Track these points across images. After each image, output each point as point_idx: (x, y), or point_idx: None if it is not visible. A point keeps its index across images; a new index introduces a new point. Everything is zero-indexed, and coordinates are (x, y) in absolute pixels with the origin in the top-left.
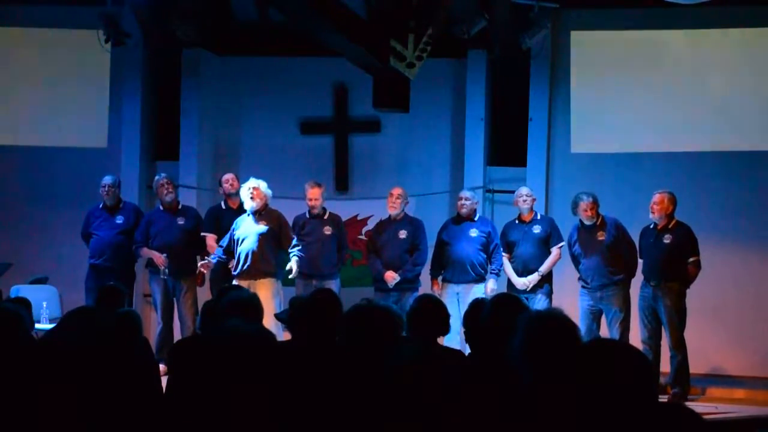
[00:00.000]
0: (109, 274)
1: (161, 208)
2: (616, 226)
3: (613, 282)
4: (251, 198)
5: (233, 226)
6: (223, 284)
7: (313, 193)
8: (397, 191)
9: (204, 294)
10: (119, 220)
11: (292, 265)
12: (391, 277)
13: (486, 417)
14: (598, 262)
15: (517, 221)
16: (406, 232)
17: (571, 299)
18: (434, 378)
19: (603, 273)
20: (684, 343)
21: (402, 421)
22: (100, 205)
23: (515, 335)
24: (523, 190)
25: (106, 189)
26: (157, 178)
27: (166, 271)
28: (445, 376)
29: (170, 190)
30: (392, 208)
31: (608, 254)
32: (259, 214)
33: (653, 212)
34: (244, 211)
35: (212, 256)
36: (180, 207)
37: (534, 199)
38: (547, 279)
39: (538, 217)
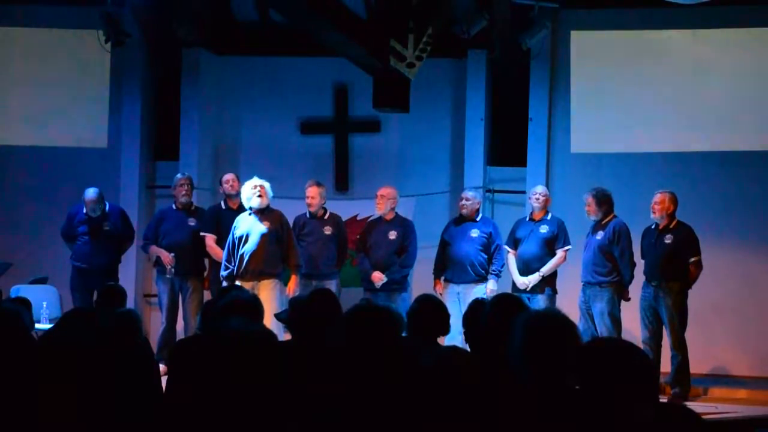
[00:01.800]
0: (93, 276)
1: (174, 207)
2: (616, 229)
3: (597, 282)
4: (258, 196)
5: (233, 226)
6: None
7: (311, 192)
8: (381, 192)
9: (208, 295)
10: (107, 226)
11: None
12: (378, 278)
13: (486, 417)
14: (588, 260)
15: (527, 218)
16: (396, 233)
17: (571, 300)
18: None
19: (589, 271)
20: (685, 343)
21: (405, 423)
22: (84, 210)
23: (514, 335)
24: (538, 188)
25: (92, 206)
26: (178, 176)
27: (173, 270)
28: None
29: (188, 191)
30: (378, 208)
31: (598, 254)
32: (262, 213)
33: (654, 212)
34: (243, 211)
35: (221, 273)
36: (193, 208)
37: (547, 199)
38: (550, 282)
39: (549, 217)
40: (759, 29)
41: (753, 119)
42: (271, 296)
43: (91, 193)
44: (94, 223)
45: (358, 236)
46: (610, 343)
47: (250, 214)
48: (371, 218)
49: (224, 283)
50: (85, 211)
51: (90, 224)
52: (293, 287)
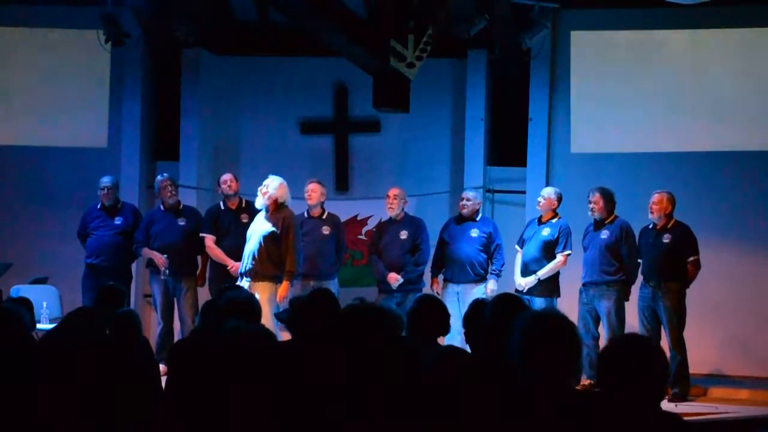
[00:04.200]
0: (106, 273)
1: (162, 208)
2: (622, 228)
3: (604, 282)
4: (261, 194)
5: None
6: (222, 284)
7: (311, 187)
8: (393, 192)
9: (204, 294)
10: (118, 221)
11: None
12: (395, 278)
13: (486, 417)
14: (594, 259)
15: (536, 220)
16: (407, 232)
17: (571, 301)
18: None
19: (595, 271)
20: (683, 343)
21: (404, 422)
22: (98, 206)
23: (514, 335)
24: (543, 191)
25: (105, 191)
26: (159, 178)
27: (166, 271)
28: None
29: (173, 192)
30: (390, 209)
31: (605, 253)
32: (270, 213)
33: (652, 212)
34: (242, 212)
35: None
36: (181, 207)
37: (549, 202)
38: (552, 287)
39: (554, 221)
40: (759, 29)
41: (753, 119)
42: (264, 299)
43: (105, 179)
44: (105, 218)
45: (367, 238)
46: (634, 340)
47: (263, 212)
48: (381, 219)
49: (240, 280)
50: (99, 205)
51: (102, 218)
52: (283, 294)
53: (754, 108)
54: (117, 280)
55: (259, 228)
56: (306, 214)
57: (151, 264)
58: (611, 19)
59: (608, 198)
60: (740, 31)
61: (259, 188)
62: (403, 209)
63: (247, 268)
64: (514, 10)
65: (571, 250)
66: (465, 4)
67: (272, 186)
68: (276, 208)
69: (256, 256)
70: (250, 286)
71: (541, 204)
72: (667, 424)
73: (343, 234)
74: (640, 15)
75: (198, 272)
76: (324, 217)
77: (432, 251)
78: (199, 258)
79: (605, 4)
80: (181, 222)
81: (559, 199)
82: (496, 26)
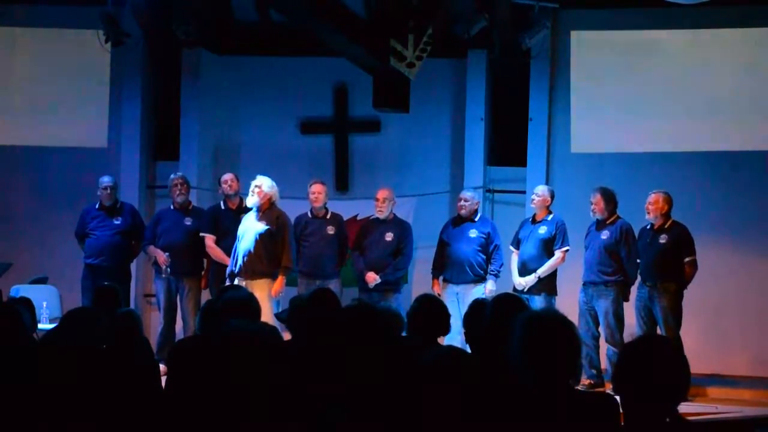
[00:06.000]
0: (106, 274)
1: (172, 207)
2: (622, 229)
3: (602, 282)
4: (253, 194)
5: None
6: (222, 284)
7: (316, 188)
8: (382, 194)
9: (205, 294)
10: (117, 221)
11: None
12: (372, 278)
13: (485, 417)
14: (593, 259)
15: (530, 219)
16: (392, 234)
17: (571, 301)
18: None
19: (594, 270)
20: (680, 343)
21: (403, 422)
22: (96, 206)
23: (513, 335)
24: (537, 189)
25: (108, 190)
26: (172, 176)
27: (168, 270)
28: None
29: (183, 191)
30: (380, 212)
31: (604, 253)
32: (261, 212)
33: (649, 212)
34: (243, 212)
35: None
36: (191, 207)
37: (545, 199)
38: (549, 284)
39: (549, 218)
40: (759, 29)
41: (753, 119)
42: (263, 296)
43: (106, 179)
44: (105, 218)
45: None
46: (655, 342)
47: (253, 211)
48: (370, 218)
49: (228, 281)
50: (97, 205)
51: (101, 219)
52: (278, 289)
53: (753, 108)
54: (116, 280)
55: (253, 226)
56: (309, 214)
57: (156, 262)
58: (611, 19)
59: (609, 198)
60: (740, 31)
61: (251, 188)
62: (391, 210)
63: (241, 266)
64: (514, 10)
65: (569, 245)
66: (465, 4)
67: (266, 185)
68: (268, 207)
69: (253, 254)
70: (246, 285)
71: (535, 202)
72: (682, 429)
73: (345, 233)
74: (640, 15)
75: (203, 273)
76: (328, 217)
77: (418, 254)
78: (204, 261)
79: (605, 4)
80: (188, 221)
81: (552, 196)
82: (496, 26)
